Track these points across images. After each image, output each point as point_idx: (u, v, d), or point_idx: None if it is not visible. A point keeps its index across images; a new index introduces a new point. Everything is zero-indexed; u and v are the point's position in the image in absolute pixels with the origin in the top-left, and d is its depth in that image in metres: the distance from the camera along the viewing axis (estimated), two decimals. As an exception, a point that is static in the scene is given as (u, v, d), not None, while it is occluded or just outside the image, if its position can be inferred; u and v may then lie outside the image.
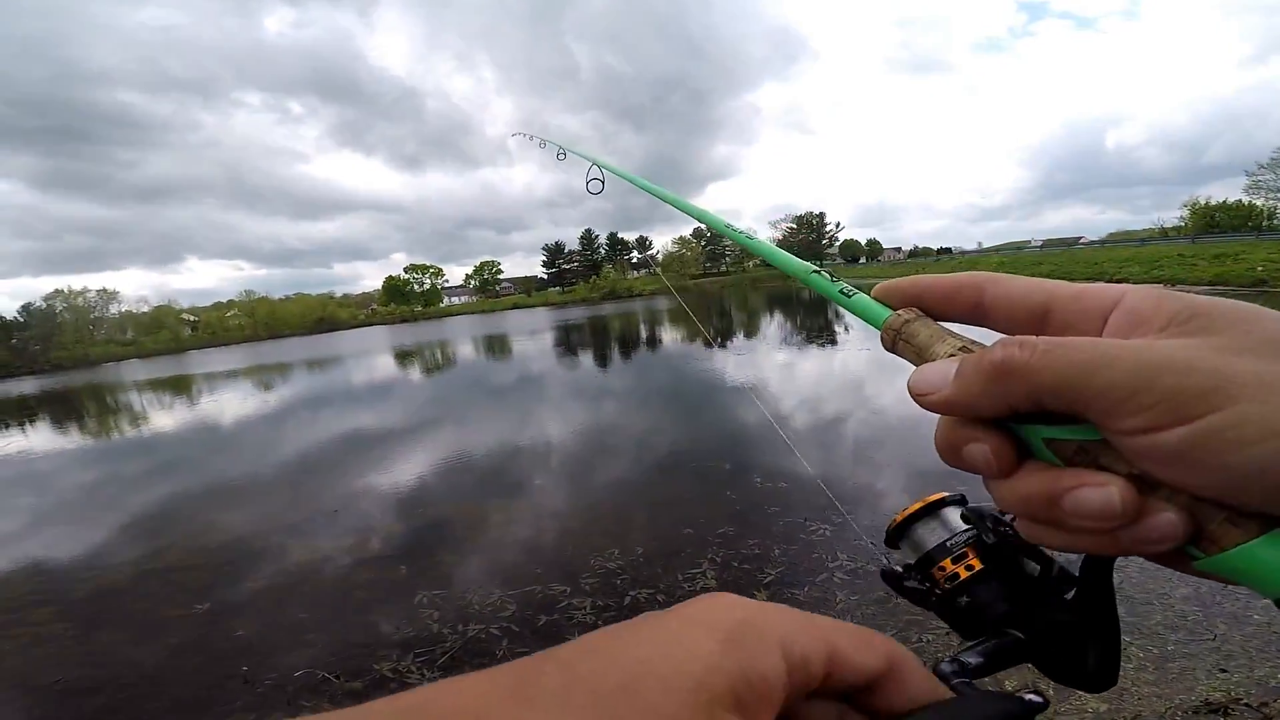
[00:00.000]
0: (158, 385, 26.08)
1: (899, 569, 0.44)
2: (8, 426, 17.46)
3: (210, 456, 9.87)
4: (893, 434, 6.73)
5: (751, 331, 21.08)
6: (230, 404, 16.03)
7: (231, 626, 3.95)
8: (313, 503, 6.42)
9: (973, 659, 0.36)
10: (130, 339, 79.00)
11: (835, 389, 9.53)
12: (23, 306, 74.94)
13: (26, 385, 39.73)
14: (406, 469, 7.24)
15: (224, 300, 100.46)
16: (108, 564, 5.41)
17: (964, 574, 0.40)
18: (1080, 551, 0.30)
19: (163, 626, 4.09)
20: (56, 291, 78.35)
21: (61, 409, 21.75)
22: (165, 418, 15.17)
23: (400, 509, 5.91)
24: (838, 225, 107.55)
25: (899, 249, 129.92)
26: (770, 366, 12.34)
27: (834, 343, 15.51)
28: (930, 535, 0.43)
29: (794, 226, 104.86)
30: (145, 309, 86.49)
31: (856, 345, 13.94)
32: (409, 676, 3.18)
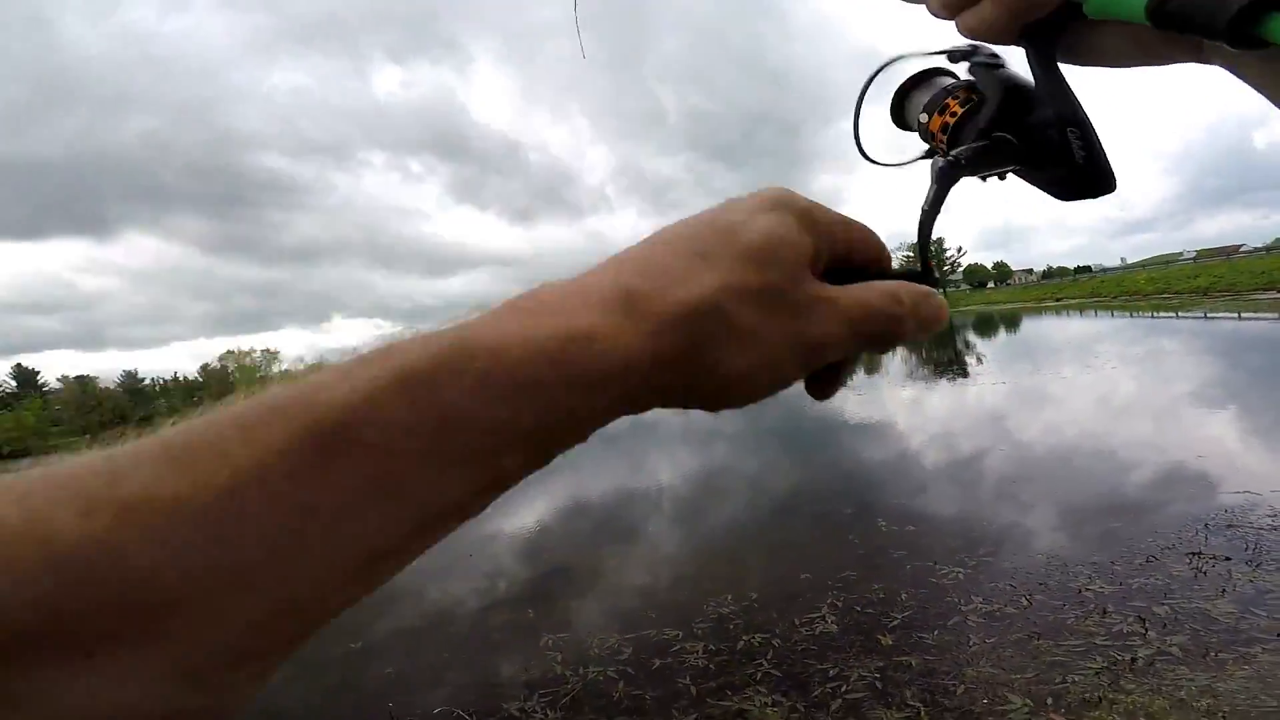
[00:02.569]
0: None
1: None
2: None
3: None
4: (1038, 469, 6.25)
5: (872, 367, 20.26)
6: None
7: (381, 665, 4.27)
8: (449, 546, 6.78)
9: (964, 154, 0.37)
10: None
11: (969, 425, 8.95)
12: (201, 366, 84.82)
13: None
14: (530, 515, 7.55)
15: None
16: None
17: (950, 120, 0.41)
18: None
19: (323, 664, 4.46)
20: (228, 352, 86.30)
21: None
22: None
23: (526, 553, 6.18)
24: (959, 250, 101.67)
25: (1030, 270, 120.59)
26: (895, 403, 11.81)
27: (965, 375, 14.58)
28: (920, 101, 0.43)
29: (910, 255, 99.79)
30: (302, 367, 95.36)
31: (991, 379, 13.05)
32: (533, 716, 3.31)
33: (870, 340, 0.32)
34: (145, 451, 0.21)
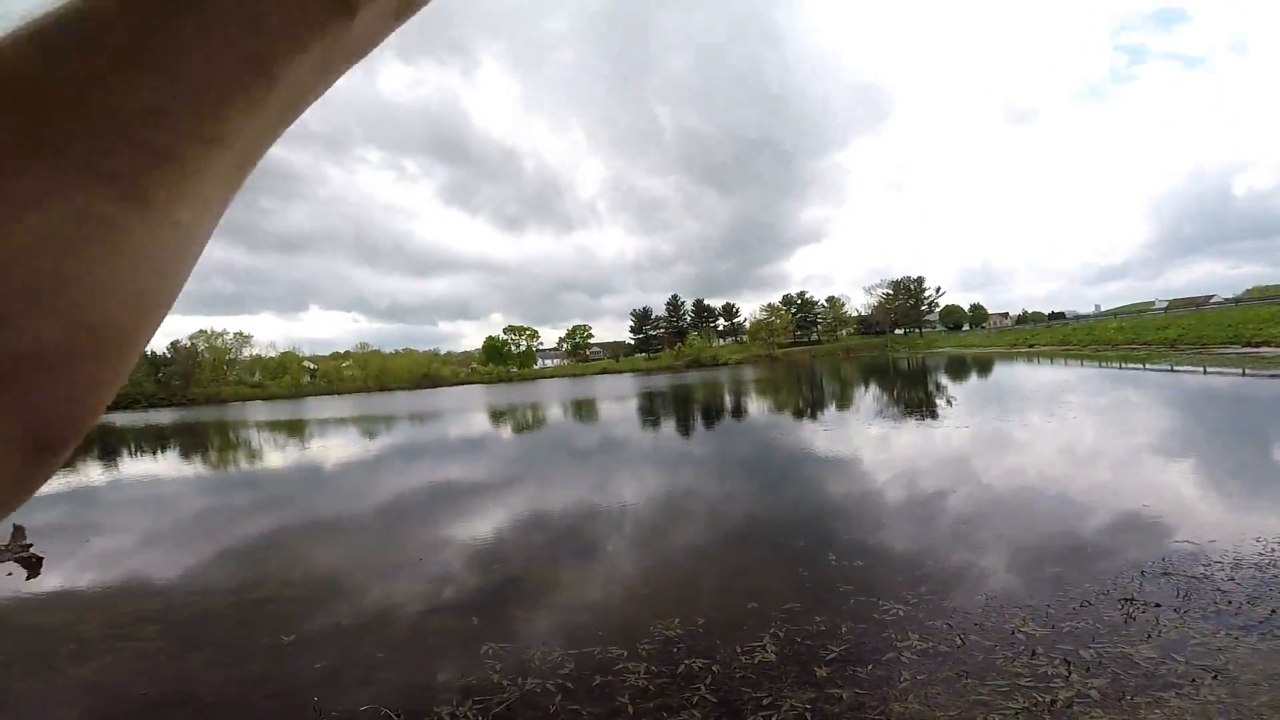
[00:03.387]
0: (281, 427, 28.31)
1: None
2: (145, 453, 19.48)
3: (318, 497, 10.61)
4: (991, 512, 6.36)
5: (844, 403, 20.50)
6: (344, 450, 17.18)
7: (311, 658, 4.20)
8: (400, 548, 6.77)
9: None
10: (257, 381, 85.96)
11: (930, 466, 9.09)
12: (171, 343, 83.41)
13: (165, 416, 44.21)
14: (487, 524, 7.51)
15: (341, 351, 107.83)
16: (211, 589, 5.90)
17: None
18: None
19: (251, 653, 4.41)
20: (200, 331, 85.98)
21: (194, 441, 23.97)
22: (281, 457, 16.45)
23: (478, 561, 6.12)
24: (938, 290, 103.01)
25: (1005, 314, 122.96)
26: (861, 440, 11.95)
27: (934, 416, 14.82)
28: None
29: (890, 292, 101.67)
30: (273, 354, 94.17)
31: (957, 422, 13.27)
32: (464, 723, 3.27)
33: None
34: None
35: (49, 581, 6.20)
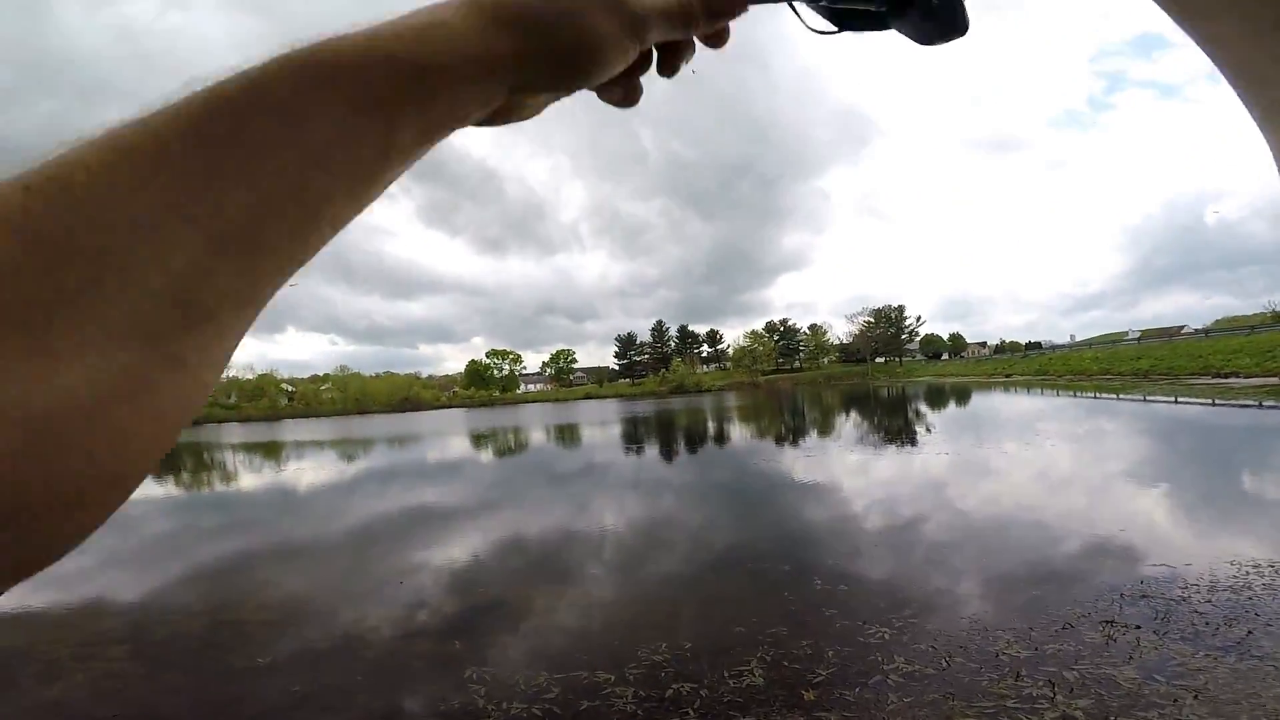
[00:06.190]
0: (258, 449, 27.71)
1: None
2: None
3: (294, 519, 10.40)
4: (971, 537, 6.42)
5: (825, 430, 20.63)
6: (322, 473, 16.89)
7: (289, 681, 4.09)
8: (381, 571, 6.65)
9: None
10: (233, 403, 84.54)
11: (911, 492, 9.16)
12: None
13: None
14: (468, 547, 7.41)
15: (320, 373, 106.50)
16: (184, 610, 5.75)
17: None
18: None
19: (226, 675, 4.29)
20: None
21: (166, 462, 23.34)
22: (259, 479, 16.11)
23: (460, 585, 6.04)
24: (918, 319, 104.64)
25: (984, 343, 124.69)
26: (841, 467, 12.02)
27: (913, 444, 14.97)
28: None
29: (871, 320, 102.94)
30: (250, 376, 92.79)
31: (936, 448, 13.41)
32: (448, 748, 3.21)
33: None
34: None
35: (8, 600, 6.00)
